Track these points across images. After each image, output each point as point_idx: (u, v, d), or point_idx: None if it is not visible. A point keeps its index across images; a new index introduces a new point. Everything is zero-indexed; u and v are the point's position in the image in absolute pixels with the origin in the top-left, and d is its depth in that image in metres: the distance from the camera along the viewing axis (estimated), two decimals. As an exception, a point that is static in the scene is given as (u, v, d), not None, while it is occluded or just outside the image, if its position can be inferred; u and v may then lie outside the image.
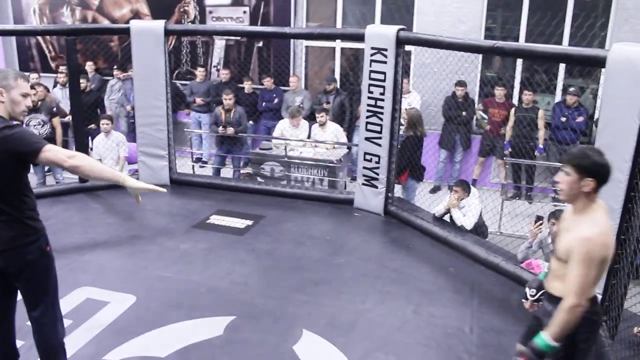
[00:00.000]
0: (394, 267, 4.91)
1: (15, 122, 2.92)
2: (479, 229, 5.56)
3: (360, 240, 5.48)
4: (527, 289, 3.20)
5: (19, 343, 3.38)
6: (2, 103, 2.93)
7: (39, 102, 7.62)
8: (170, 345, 3.79)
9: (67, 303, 4.14)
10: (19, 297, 3.11)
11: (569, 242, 2.58)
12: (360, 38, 5.87)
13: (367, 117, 5.81)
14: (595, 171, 2.52)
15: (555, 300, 2.66)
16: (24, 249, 2.93)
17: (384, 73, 5.60)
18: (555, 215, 4.85)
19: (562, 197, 2.67)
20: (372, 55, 5.66)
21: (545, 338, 2.56)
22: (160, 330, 3.98)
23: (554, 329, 2.55)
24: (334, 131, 7.49)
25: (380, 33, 5.63)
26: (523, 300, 3.22)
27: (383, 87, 5.64)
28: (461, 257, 5.11)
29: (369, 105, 5.77)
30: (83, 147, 6.87)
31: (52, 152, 2.82)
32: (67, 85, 7.43)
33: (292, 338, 3.90)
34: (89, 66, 9.67)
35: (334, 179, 7.14)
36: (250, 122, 8.25)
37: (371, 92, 5.73)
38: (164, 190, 3.14)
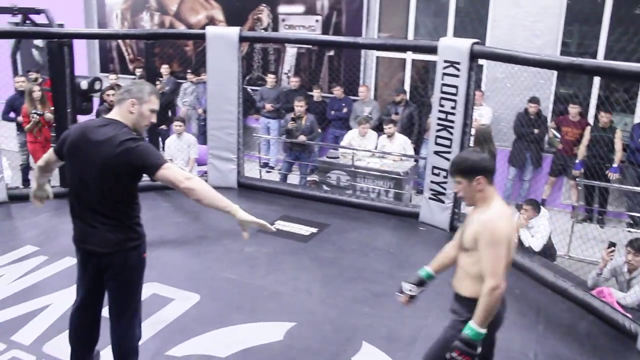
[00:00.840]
0: (457, 285, 4.82)
1: (138, 136, 3.00)
2: (547, 252, 5.40)
3: (425, 254, 5.38)
4: (404, 284, 3.19)
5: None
6: (131, 114, 3.02)
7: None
8: (231, 346, 3.85)
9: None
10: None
11: (473, 231, 2.72)
12: (432, 50, 5.83)
13: (437, 131, 5.75)
14: (480, 169, 2.69)
15: (463, 300, 2.80)
16: (127, 253, 3.04)
17: (456, 87, 5.54)
18: (634, 244, 4.64)
19: (465, 203, 2.83)
20: (444, 68, 5.60)
21: (473, 326, 2.64)
22: (222, 331, 4.05)
23: (479, 315, 2.64)
24: (402, 143, 7.45)
25: (453, 46, 5.57)
26: (397, 293, 3.19)
27: (454, 101, 5.57)
28: (527, 279, 4.96)
29: (439, 118, 5.71)
30: (155, 146, 7.08)
31: (170, 170, 2.89)
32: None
33: (351, 349, 3.89)
34: (164, 69, 9.97)
35: (399, 191, 7.10)
36: (318, 130, 8.30)
37: (442, 106, 5.67)
38: (273, 229, 3.07)
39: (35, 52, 11.27)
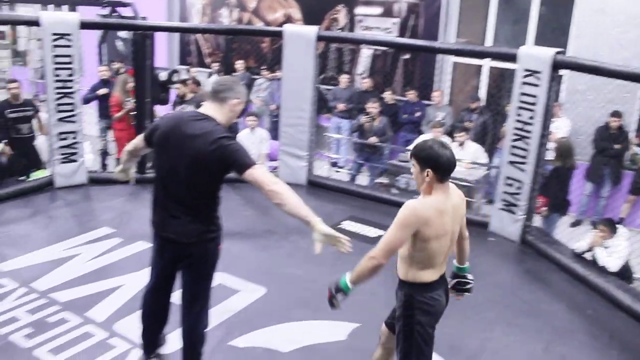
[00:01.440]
0: (526, 299, 4.69)
1: (230, 133, 3.05)
2: (625, 273, 5.17)
3: (493, 265, 5.30)
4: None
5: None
6: (231, 112, 3.09)
7: (191, 95, 8.10)
8: (293, 342, 3.88)
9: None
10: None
11: None
12: (512, 58, 5.69)
13: (513, 141, 5.61)
14: (432, 163, 2.66)
15: (400, 282, 2.91)
16: (206, 244, 3.13)
17: (536, 97, 5.38)
18: None
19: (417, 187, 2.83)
20: (524, 77, 5.46)
21: (345, 277, 2.84)
22: (285, 326, 4.09)
23: (354, 273, 2.82)
24: (474, 151, 7.31)
25: (535, 55, 5.42)
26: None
27: (533, 111, 5.42)
28: (601, 301, 4.77)
29: (516, 128, 5.57)
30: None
31: (259, 171, 2.92)
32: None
33: (414, 355, 3.84)
34: (240, 64, 10.15)
35: (469, 199, 6.95)
36: (390, 132, 8.25)
37: (519, 115, 5.53)
38: (349, 249, 2.95)
39: (119, 44, 11.70)
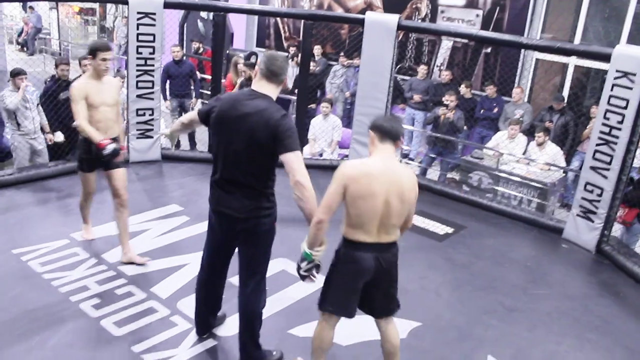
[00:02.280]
0: (598, 313, 4.45)
1: (285, 112, 3.09)
2: None
3: (565, 274, 5.07)
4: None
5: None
6: (278, 89, 3.15)
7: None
8: (351, 336, 3.82)
9: (266, 270, 4.38)
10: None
11: None
12: (604, 58, 5.38)
13: (597, 145, 5.31)
14: (374, 126, 3.00)
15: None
16: (260, 220, 3.16)
17: (627, 100, 5.07)
18: None
19: None
20: (616, 78, 5.14)
21: (304, 245, 3.01)
22: (344, 319, 4.03)
23: (307, 239, 2.99)
24: (552, 154, 6.99)
25: (631, 55, 5.09)
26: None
27: (622, 115, 5.11)
28: None
29: (601, 132, 5.27)
30: (301, 124, 7.22)
31: (296, 159, 2.95)
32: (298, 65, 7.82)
33: (475, 361, 3.73)
34: (317, 49, 10.12)
35: (543, 202, 6.69)
36: (465, 127, 8.03)
37: (607, 119, 5.23)
38: (314, 280, 3.12)
39: (200, 24, 11.90)
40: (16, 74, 6.17)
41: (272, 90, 3.10)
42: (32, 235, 4.83)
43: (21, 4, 15.69)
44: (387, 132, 2.95)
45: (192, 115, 3.44)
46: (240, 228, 3.18)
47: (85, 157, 4.45)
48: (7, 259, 4.45)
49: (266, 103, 3.03)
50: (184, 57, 8.92)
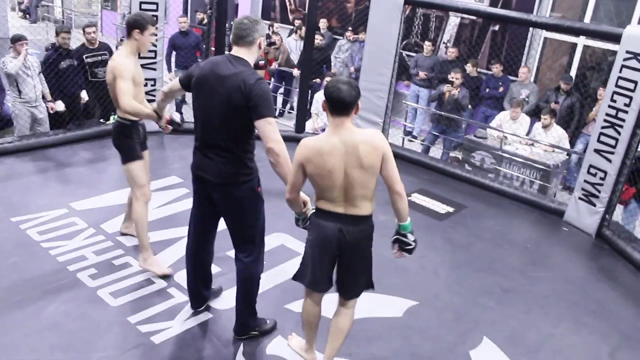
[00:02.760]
0: (596, 298, 4.44)
1: (261, 77, 3.06)
2: None
3: (564, 258, 5.05)
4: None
5: (215, 269, 3.71)
6: (259, 50, 3.13)
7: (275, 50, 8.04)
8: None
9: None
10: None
11: None
12: (614, 38, 5.29)
13: (603, 128, 5.25)
14: (324, 97, 2.79)
15: None
16: (238, 187, 3.15)
17: (636, 82, 4.99)
18: None
19: None
20: (625, 60, 5.06)
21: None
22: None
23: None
24: (557, 136, 6.92)
25: (640, 36, 5.01)
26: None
27: (630, 97, 5.03)
28: None
29: (607, 114, 5.20)
30: (304, 99, 7.16)
31: (270, 126, 2.95)
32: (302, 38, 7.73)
33: (470, 342, 3.72)
34: (322, 23, 9.99)
35: (546, 184, 6.65)
36: (469, 106, 7.95)
37: (614, 101, 5.15)
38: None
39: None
40: (17, 39, 6.09)
41: (246, 54, 3.07)
42: (31, 204, 4.82)
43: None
44: (334, 106, 2.77)
45: (172, 83, 3.41)
46: (219, 194, 3.18)
47: (137, 141, 4.03)
48: (5, 226, 4.45)
49: (242, 67, 3.01)
50: (193, 28, 8.83)
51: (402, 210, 2.95)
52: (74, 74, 6.65)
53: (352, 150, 2.79)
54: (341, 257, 3.01)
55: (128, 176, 4.05)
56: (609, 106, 5.19)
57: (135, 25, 3.85)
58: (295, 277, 3.17)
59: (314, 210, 3.02)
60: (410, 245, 3.02)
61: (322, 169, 2.81)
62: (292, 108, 9.29)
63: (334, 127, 2.81)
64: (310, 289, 3.13)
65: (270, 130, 2.94)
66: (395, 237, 3.05)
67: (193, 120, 3.24)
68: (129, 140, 3.99)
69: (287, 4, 11.46)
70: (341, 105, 2.75)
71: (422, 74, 8.75)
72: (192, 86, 3.14)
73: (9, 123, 6.57)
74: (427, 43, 9.01)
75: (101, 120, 7.07)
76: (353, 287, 3.10)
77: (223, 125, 3.04)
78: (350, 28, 9.68)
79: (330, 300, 3.24)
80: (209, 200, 3.25)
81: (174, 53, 8.78)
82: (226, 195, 3.18)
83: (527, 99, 7.81)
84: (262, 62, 7.68)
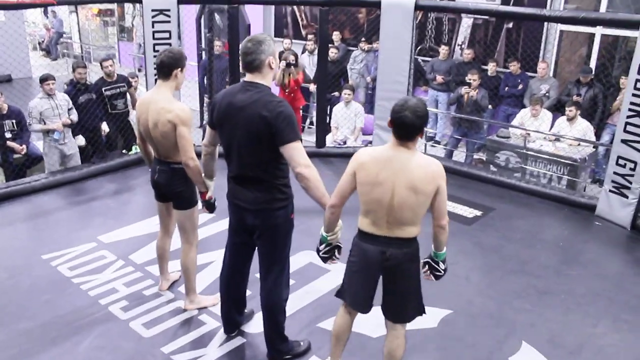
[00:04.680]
0: (636, 293, 4.32)
1: (282, 99, 3.02)
2: None
3: (599, 253, 4.93)
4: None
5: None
6: (271, 70, 3.04)
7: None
8: (381, 326, 3.70)
9: (291, 263, 4.32)
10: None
11: None
12: (633, 25, 5.20)
13: (628, 117, 5.14)
14: (391, 114, 2.76)
15: None
16: (274, 213, 3.12)
17: (657, 69, 4.89)
18: None
19: None
20: (645, 46, 4.96)
21: (322, 231, 3.05)
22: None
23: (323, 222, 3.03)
24: (583, 129, 6.79)
25: (660, 22, 4.91)
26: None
27: (653, 85, 4.93)
28: None
29: (632, 103, 5.10)
30: (322, 113, 7.15)
31: (297, 150, 2.90)
32: (315, 52, 7.73)
33: (508, 348, 3.64)
34: (336, 36, 9.99)
35: (574, 179, 6.53)
36: (489, 106, 7.85)
37: (638, 89, 5.05)
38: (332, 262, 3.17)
39: (217, 17, 11.85)
40: (44, 79, 6.21)
41: (259, 77, 3.00)
42: (60, 240, 4.88)
43: (42, 10, 15.86)
44: (397, 130, 2.75)
45: (207, 137, 3.29)
46: (255, 221, 3.15)
47: (193, 189, 3.76)
48: (37, 264, 4.50)
49: (258, 93, 2.95)
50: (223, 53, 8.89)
51: (442, 242, 2.97)
52: (94, 107, 6.74)
53: (406, 168, 2.75)
54: (385, 280, 2.97)
55: (187, 223, 3.82)
56: (633, 94, 5.09)
57: (177, 65, 3.52)
58: (338, 294, 3.15)
59: (358, 233, 2.96)
60: (440, 272, 3.06)
61: (373, 178, 2.77)
62: (311, 123, 9.28)
63: (395, 145, 2.80)
64: (352, 308, 3.11)
65: (297, 155, 2.89)
66: (427, 260, 3.03)
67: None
68: (192, 186, 3.71)
69: (299, 19, 11.51)
70: (404, 132, 2.75)
71: (439, 78, 8.69)
72: (215, 124, 3.12)
73: (36, 160, 6.69)
74: (442, 47, 8.94)
75: (123, 151, 7.16)
76: (400, 310, 3.05)
77: (250, 157, 3.02)
78: (363, 39, 9.67)
79: (363, 317, 3.19)
80: (245, 229, 3.23)
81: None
82: (262, 220, 3.15)
83: (547, 94, 7.69)
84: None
